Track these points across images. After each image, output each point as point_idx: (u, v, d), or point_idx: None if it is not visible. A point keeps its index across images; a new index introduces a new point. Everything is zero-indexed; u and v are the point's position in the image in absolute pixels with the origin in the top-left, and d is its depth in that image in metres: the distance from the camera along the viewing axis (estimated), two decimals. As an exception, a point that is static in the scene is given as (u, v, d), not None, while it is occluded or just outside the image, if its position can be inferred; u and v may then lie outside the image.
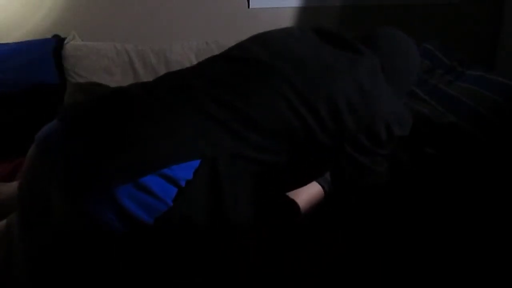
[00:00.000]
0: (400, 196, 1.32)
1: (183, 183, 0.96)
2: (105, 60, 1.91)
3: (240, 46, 1.22)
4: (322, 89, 1.09)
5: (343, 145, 1.12)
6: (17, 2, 1.98)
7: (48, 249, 1.01)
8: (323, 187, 1.30)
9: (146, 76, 1.91)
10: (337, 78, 1.10)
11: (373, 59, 1.17)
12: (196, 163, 0.98)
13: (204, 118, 1.02)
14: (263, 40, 1.20)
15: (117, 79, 1.89)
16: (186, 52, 1.96)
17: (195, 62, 1.67)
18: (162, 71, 1.89)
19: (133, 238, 0.95)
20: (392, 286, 1.14)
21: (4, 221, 1.15)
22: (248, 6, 2.13)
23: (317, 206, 1.30)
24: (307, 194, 1.29)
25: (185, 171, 0.97)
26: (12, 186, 1.32)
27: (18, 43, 1.93)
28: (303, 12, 2.16)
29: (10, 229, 1.10)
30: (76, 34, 1.98)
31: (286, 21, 2.15)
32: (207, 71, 1.15)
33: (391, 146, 1.16)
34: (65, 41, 1.93)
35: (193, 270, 1.06)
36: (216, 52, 1.47)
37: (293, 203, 1.25)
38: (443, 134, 1.53)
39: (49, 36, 2.01)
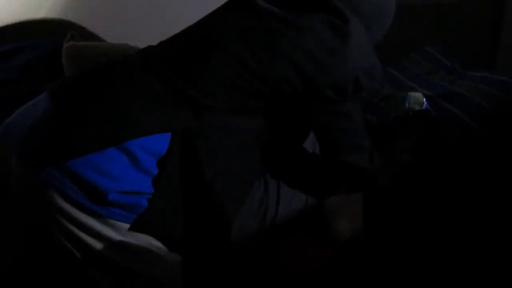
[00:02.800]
0: (404, 194, 1.32)
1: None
2: (105, 60, 1.90)
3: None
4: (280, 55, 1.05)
5: (312, 103, 1.08)
6: (17, 2, 1.98)
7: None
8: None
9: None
10: (292, 44, 1.05)
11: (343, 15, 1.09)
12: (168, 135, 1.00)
13: (162, 97, 1.03)
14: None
15: (117, 79, 1.88)
16: (186, 52, 1.96)
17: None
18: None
19: None
20: (393, 285, 1.15)
21: None
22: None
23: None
24: None
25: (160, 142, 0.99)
26: None
27: (17, 43, 1.92)
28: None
29: None
30: (76, 34, 1.97)
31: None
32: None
33: (357, 97, 1.11)
34: (65, 41, 1.93)
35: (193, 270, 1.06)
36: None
37: None
38: (446, 128, 1.53)
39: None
